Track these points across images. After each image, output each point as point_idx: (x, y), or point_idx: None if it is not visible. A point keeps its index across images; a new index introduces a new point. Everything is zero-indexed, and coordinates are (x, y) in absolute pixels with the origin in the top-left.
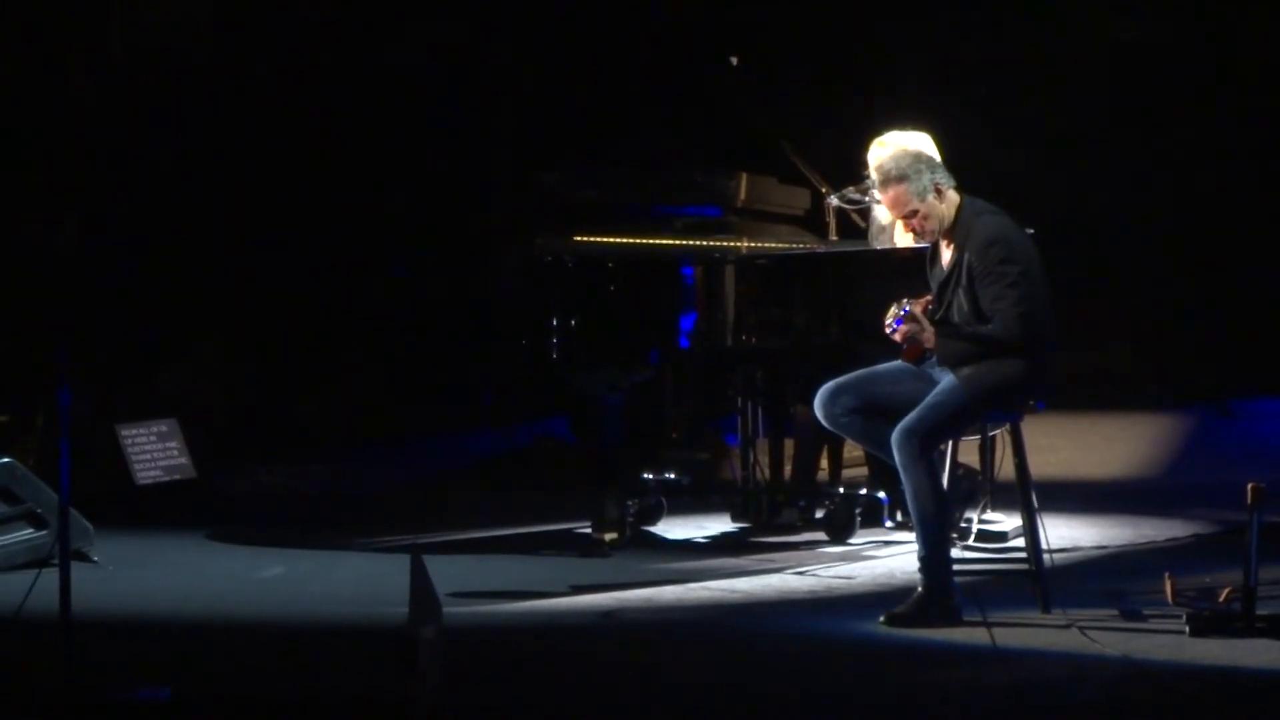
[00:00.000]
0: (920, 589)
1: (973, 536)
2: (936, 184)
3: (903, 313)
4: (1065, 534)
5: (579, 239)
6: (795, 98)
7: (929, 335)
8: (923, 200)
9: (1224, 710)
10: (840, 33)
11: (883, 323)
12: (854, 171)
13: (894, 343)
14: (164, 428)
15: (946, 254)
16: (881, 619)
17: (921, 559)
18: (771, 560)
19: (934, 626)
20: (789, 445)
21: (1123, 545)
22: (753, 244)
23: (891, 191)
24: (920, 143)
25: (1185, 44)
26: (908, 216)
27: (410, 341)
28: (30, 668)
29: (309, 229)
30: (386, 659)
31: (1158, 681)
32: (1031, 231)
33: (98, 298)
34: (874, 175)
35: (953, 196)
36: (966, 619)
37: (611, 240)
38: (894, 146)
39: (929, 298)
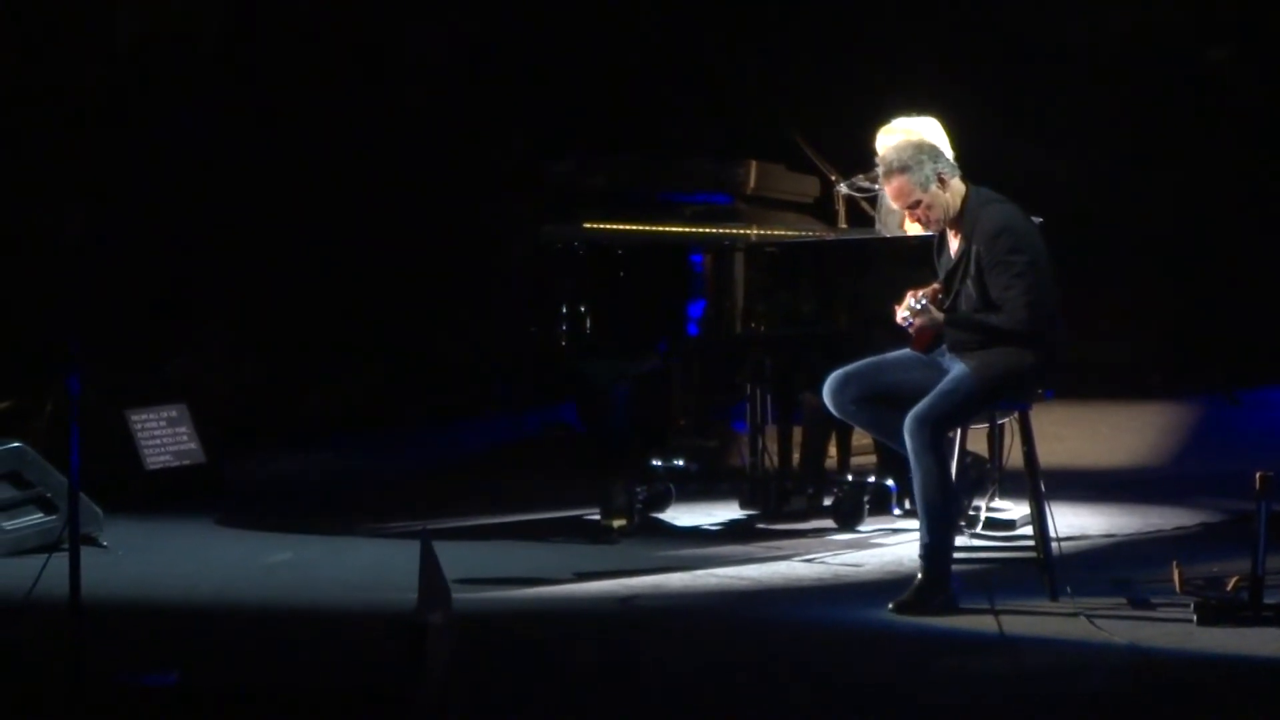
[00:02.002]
0: (920, 575)
1: (981, 524)
2: (939, 174)
3: (918, 306)
4: (1073, 522)
5: (588, 226)
6: (805, 85)
7: (937, 325)
8: (925, 190)
9: (1231, 699)
10: (850, 20)
11: (894, 314)
12: (863, 159)
13: (903, 331)
14: (173, 413)
15: (954, 243)
16: (890, 606)
17: (924, 546)
18: (779, 548)
19: (937, 613)
20: (797, 433)
21: (1130, 534)
22: (761, 232)
23: (894, 182)
24: (928, 129)
25: (1195, 34)
26: (911, 207)
27: (419, 328)
28: (39, 652)
29: (318, 216)
30: (395, 644)
31: (1165, 670)
32: (1040, 220)
33: (107, 283)
34: (878, 165)
35: (957, 185)
36: (974, 607)
37: (620, 228)
38: (897, 136)
39: (936, 286)
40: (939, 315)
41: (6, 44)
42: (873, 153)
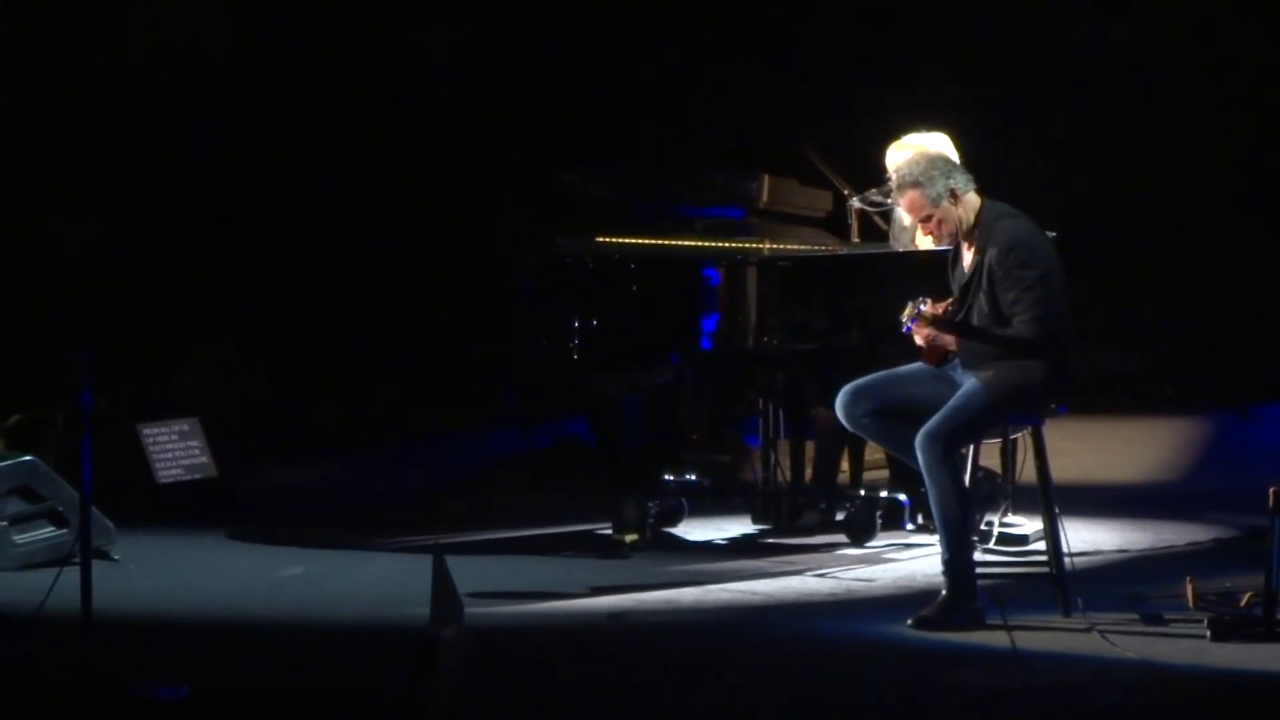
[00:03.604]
0: (944, 592)
1: (994, 539)
2: (952, 188)
3: (917, 311)
4: (1086, 537)
5: (600, 240)
6: (817, 99)
7: (946, 339)
8: (937, 205)
9: (1245, 714)
10: (862, 34)
11: (899, 322)
12: (876, 173)
13: (915, 345)
14: (185, 427)
15: (968, 256)
16: (909, 622)
17: (945, 562)
18: (792, 562)
19: (959, 630)
20: (810, 447)
21: (1143, 549)
22: (774, 245)
23: (907, 196)
24: (939, 144)
25: (1206, 46)
26: (924, 220)
27: (430, 341)
28: (51, 665)
29: (329, 228)
30: (407, 658)
31: (1178, 686)
32: (1053, 234)
33: (117, 296)
34: (891, 179)
35: (971, 199)
36: (988, 623)
37: (632, 241)
38: (910, 151)
39: (950, 300)
40: (941, 330)
41: (17, 56)
42: (884, 168)
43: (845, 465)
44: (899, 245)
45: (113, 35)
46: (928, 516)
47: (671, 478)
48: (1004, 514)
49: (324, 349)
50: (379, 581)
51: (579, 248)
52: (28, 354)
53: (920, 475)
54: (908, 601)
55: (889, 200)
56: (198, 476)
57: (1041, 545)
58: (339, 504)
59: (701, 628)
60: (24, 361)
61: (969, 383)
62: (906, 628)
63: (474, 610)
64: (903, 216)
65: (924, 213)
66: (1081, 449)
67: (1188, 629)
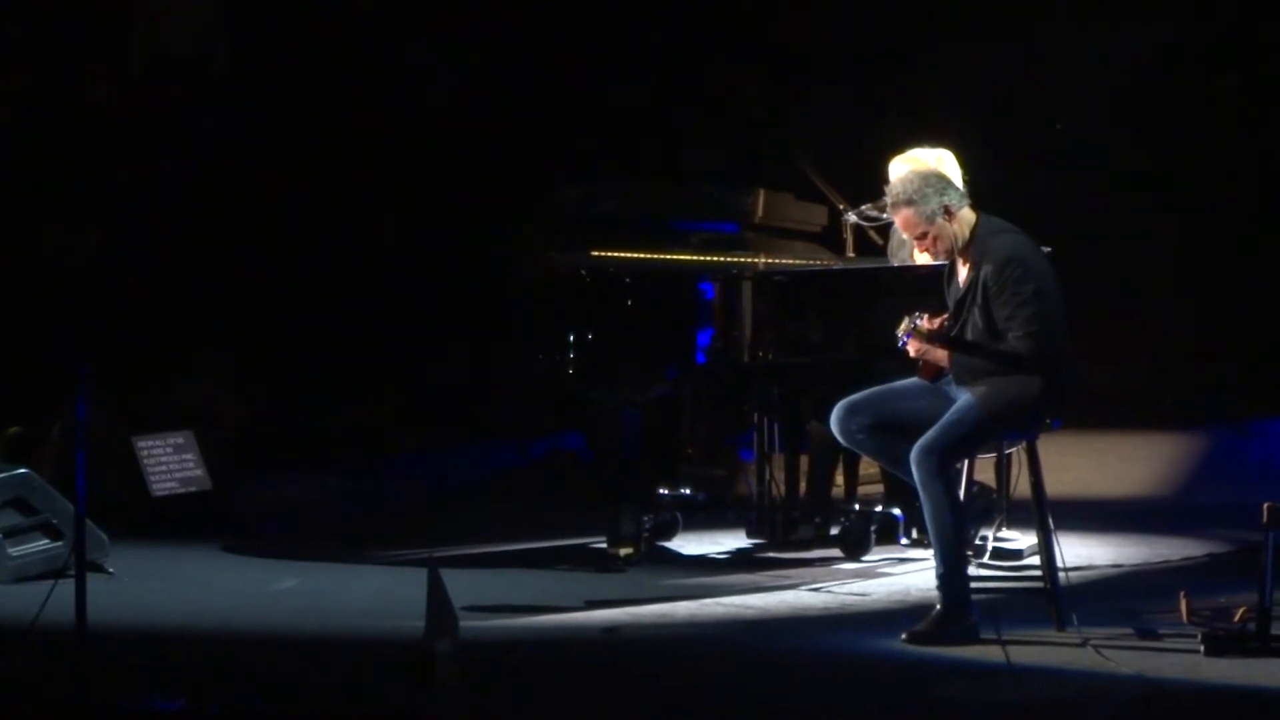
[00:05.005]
0: (939, 606)
1: (988, 554)
2: (945, 206)
3: (913, 326)
4: (1080, 552)
5: (596, 253)
6: (813, 114)
7: (939, 354)
8: (931, 222)
9: None
10: (860, 49)
11: (895, 336)
12: (872, 188)
13: (910, 360)
14: (180, 440)
15: (963, 272)
16: (903, 636)
17: (940, 576)
18: (786, 577)
19: (953, 644)
20: (804, 461)
21: (1138, 564)
22: (770, 260)
23: (901, 214)
24: (941, 161)
25: (1207, 59)
26: (919, 238)
27: (427, 354)
28: (45, 678)
29: (326, 241)
30: (403, 672)
31: (1172, 701)
32: (1049, 250)
33: (115, 308)
34: (886, 196)
35: (966, 215)
36: (983, 637)
37: (629, 255)
38: (906, 168)
39: (945, 316)
40: (936, 346)
41: (17, 66)
42: (879, 182)
43: (840, 479)
44: (898, 260)
45: (112, 47)
46: (922, 531)
47: (666, 492)
48: (998, 528)
49: (320, 362)
50: (374, 595)
51: (576, 261)
52: (25, 366)
53: (915, 490)
54: (902, 616)
55: (884, 215)
56: (192, 489)
57: (1036, 560)
58: (334, 517)
59: (696, 642)
60: (22, 374)
61: (964, 398)
62: (901, 642)
63: (469, 624)
64: (901, 231)
65: (918, 230)
66: (1077, 464)
67: (1182, 644)
